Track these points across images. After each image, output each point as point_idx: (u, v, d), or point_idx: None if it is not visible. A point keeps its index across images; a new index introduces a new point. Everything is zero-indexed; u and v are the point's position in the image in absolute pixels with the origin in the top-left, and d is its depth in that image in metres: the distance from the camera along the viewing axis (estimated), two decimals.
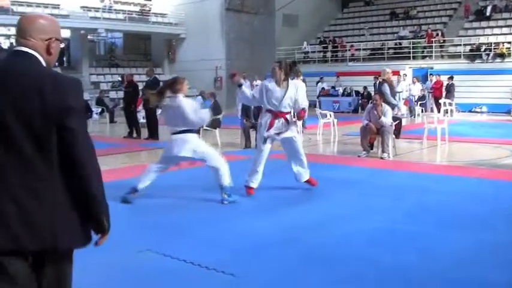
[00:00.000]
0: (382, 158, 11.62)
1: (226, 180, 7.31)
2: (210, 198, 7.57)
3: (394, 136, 12.34)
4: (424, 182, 9.05)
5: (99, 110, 22.47)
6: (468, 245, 5.52)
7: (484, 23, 32.02)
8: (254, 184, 7.91)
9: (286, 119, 7.90)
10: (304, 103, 7.95)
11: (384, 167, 10.61)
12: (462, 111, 25.51)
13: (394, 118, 12.34)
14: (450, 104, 23.81)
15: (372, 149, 12.38)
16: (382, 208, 7.09)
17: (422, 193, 8.03)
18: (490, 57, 28.41)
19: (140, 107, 16.51)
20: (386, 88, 12.84)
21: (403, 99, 25.31)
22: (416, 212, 6.90)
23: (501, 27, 31.10)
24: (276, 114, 7.83)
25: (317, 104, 27.09)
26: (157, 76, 17.53)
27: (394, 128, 12.19)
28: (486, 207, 7.14)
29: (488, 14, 32.19)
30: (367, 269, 4.83)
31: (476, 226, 6.22)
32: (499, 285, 4.55)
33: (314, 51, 35.18)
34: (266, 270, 4.87)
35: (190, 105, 7.30)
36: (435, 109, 24.28)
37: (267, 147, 7.92)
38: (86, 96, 26.58)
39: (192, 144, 7.31)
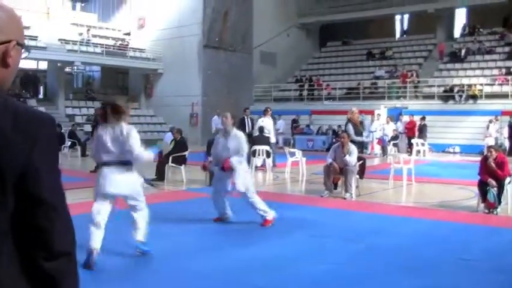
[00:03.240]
0: (344, 198, 11.58)
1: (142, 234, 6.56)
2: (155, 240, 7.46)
3: (358, 176, 12.31)
4: (382, 223, 9.01)
5: (69, 143, 22.24)
6: None
7: (457, 65, 32.53)
8: None
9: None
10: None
11: (344, 208, 10.56)
12: (435, 152, 25.66)
13: (359, 158, 12.33)
14: (423, 144, 23.98)
15: (335, 188, 12.35)
16: (332, 250, 7.02)
17: (377, 235, 7.98)
18: (463, 99, 28.77)
19: None
20: (350, 128, 12.86)
21: (376, 138, 25.55)
22: (366, 255, 6.84)
23: (474, 69, 31.61)
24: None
25: (291, 142, 27.28)
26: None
27: (358, 168, 12.17)
28: (436, 250, 7.10)
29: (462, 56, 32.71)
30: None
31: (422, 270, 6.16)
32: None
33: (290, 90, 35.36)
34: None
35: (138, 138, 6.40)
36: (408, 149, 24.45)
37: None
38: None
39: (132, 181, 6.45)
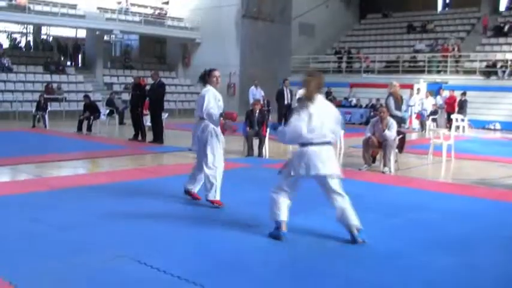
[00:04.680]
0: (383, 172, 11.47)
1: None
2: (194, 208, 7.51)
3: (397, 151, 12.16)
4: (420, 198, 8.90)
5: (107, 111, 22.43)
6: (445, 266, 5.37)
7: (501, 40, 31.70)
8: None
9: None
10: None
11: (382, 182, 10.45)
12: (475, 128, 25.21)
13: (398, 132, 12.17)
14: (462, 120, 23.55)
15: (374, 162, 12.23)
16: (369, 224, 6.91)
17: (415, 210, 7.89)
18: (506, 74, 28.10)
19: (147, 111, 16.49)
20: (390, 101, 12.68)
21: (415, 113, 25.18)
22: (403, 230, 6.78)
23: None
24: None
25: None
26: (163, 80, 17.56)
27: (397, 142, 12.02)
28: (475, 227, 7.00)
29: (506, 30, 31.87)
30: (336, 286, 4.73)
31: (459, 247, 6.08)
32: None
33: (329, 62, 34.97)
34: (237, 283, 4.77)
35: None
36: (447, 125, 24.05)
37: None
38: (98, 97, 26.69)
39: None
